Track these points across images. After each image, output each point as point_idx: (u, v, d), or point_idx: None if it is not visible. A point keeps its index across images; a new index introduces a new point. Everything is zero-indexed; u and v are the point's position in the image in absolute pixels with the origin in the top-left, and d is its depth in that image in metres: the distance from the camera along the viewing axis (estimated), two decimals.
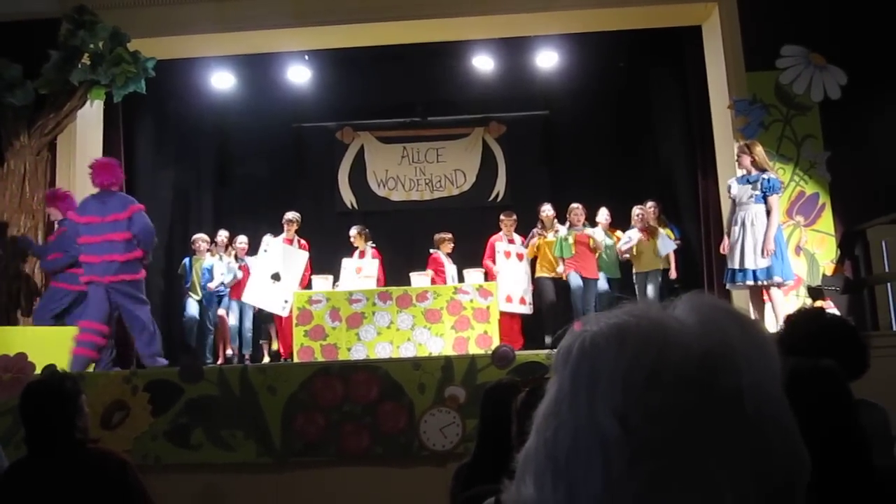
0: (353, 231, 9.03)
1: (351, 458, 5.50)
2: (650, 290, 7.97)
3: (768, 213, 6.31)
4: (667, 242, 8.02)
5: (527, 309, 8.50)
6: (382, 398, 5.55)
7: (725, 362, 0.63)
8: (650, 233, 8.08)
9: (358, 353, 7.73)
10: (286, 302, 8.13)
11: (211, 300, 8.73)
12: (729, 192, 6.64)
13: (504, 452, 2.03)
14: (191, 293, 8.76)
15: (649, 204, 8.37)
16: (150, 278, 8.90)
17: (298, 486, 5.49)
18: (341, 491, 5.44)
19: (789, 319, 2.67)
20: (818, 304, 6.76)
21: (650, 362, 0.62)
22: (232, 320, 8.81)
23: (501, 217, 8.74)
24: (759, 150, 6.50)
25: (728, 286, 6.62)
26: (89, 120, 7.85)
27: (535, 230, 8.48)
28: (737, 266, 6.37)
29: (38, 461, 2.82)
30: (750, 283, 6.32)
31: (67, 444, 2.81)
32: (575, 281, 8.04)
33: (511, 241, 8.66)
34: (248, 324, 8.79)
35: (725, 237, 6.66)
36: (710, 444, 0.61)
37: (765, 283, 6.29)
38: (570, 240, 8.06)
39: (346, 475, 5.46)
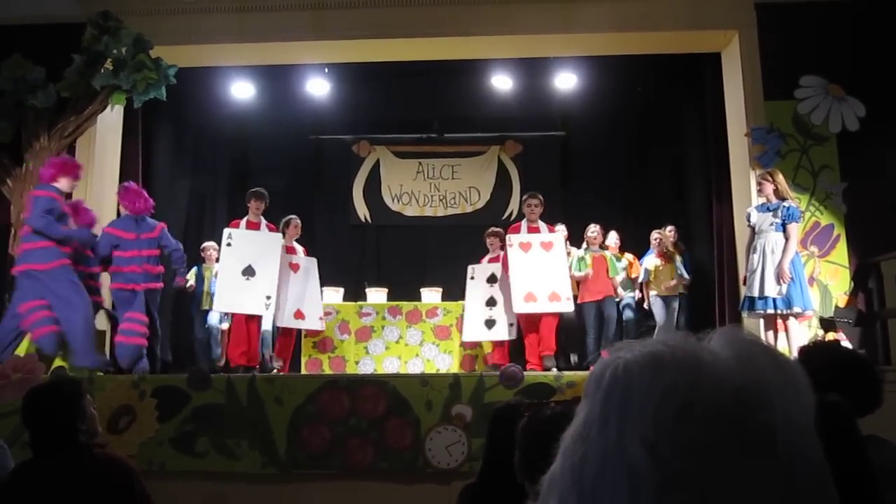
0: (294, 221, 7.92)
1: (355, 472, 5.49)
2: (666, 311, 7.93)
3: (787, 240, 6.30)
4: (680, 269, 8.00)
5: (563, 306, 7.11)
6: (389, 413, 5.55)
7: (759, 398, 0.63)
8: (668, 257, 8.03)
9: (366, 367, 7.75)
10: (268, 299, 7.04)
11: (220, 312, 8.64)
12: (749, 220, 6.60)
13: (510, 476, 2.03)
14: (203, 304, 8.70)
15: (668, 228, 8.33)
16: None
17: (302, 498, 5.48)
18: None
19: (804, 351, 2.65)
20: (830, 335, 6.72)
21: (683, 394, 0.62)
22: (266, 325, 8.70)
23: (524, 199, 7.70)
24: (780, 178, 6.51)
25: (745, 314, 6.57)
26: (109, 124, 7.92)
27: None
28: (756, 294, 6.32)
29: (42, 463, 2.82)
30: (770, 311, 6.27)
31: (71, 446, 2.82)
32: (589, 318, 7.91)
33: (534, 230, 7.43)
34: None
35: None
36: (739, 481, 0.60)
37: (783, 312, 6.25)
38: (588, 260, 7.99)
39: (349, 489, 5.45)
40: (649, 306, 8.15)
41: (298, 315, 7.44)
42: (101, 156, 7.81)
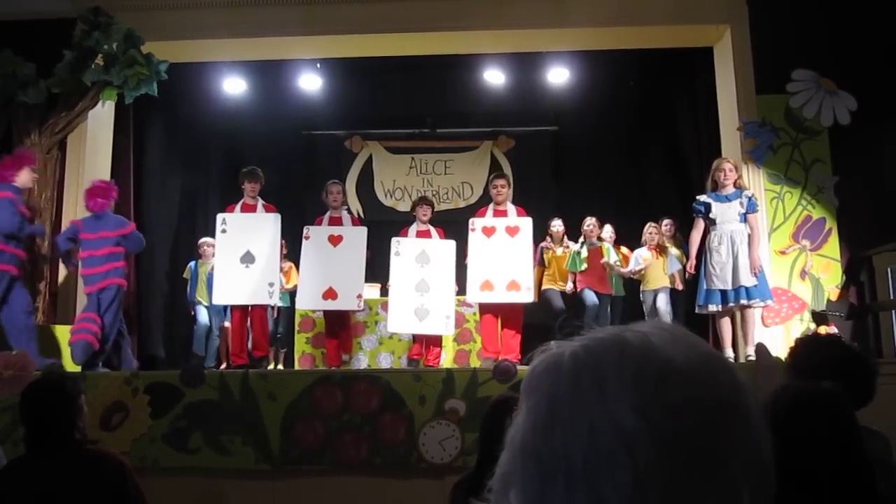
0: (333, 187, 7.24)
1: (349, 467, 5.49)
2: (660, 305, 7.91)
3: (753, 230, 6.35)
4: (674, 262, 7.98)
5: (521, 296, 6.60)
6: (382, 409, 5.54)
7: (716, 365, 0.66)
8: (660, 251, 8.03)
9: (359, 363, 7.73)
10: (271, 286, 6.56)
11: (218, 306, 8.53)
12: (705, 210, 6.44)
13: None
14: (199, 298, 8.65)
15: (666, 221, 8.31)
16: (155, 281, 8.93)
17: (295, 494, 5.47)
18: (338, 501, 5.42)
19: (799, 343, 2.66)
20: (822, 329, 6.74)
21: (657, 364, 0.63)
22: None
23: (490, 179, 7.24)
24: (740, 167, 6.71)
25: (718, 307, 6.42)
26: (100, 120, 7.88)
27: (543, 244, 8.14)
28: (730, 286, 6.26)
29: (35, 460, 2.82)
30: (744, 301, 6.27)
31: (66, 444, 2.81)
32: (590, 298, 7.79)
33: (501, 214, 6.92)
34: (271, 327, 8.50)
35: (693, 258, 6.60)
36: (725, 437, 0.62)
37: (748, 303, 6.26)
38: (584, 254, 7.95)
39: (343, 485, 5.44)
40: (642, 300, 8.15)
41: (329, 294, 6.68)
42: (92, 152, 7.77)
